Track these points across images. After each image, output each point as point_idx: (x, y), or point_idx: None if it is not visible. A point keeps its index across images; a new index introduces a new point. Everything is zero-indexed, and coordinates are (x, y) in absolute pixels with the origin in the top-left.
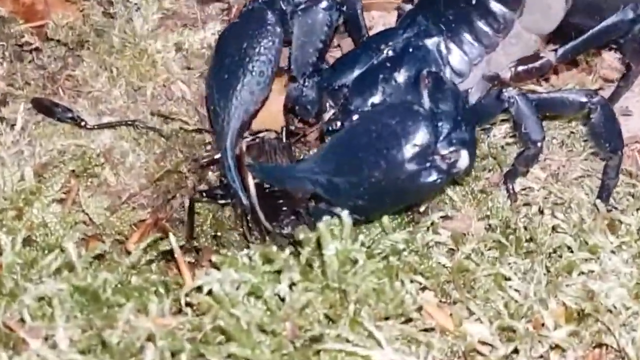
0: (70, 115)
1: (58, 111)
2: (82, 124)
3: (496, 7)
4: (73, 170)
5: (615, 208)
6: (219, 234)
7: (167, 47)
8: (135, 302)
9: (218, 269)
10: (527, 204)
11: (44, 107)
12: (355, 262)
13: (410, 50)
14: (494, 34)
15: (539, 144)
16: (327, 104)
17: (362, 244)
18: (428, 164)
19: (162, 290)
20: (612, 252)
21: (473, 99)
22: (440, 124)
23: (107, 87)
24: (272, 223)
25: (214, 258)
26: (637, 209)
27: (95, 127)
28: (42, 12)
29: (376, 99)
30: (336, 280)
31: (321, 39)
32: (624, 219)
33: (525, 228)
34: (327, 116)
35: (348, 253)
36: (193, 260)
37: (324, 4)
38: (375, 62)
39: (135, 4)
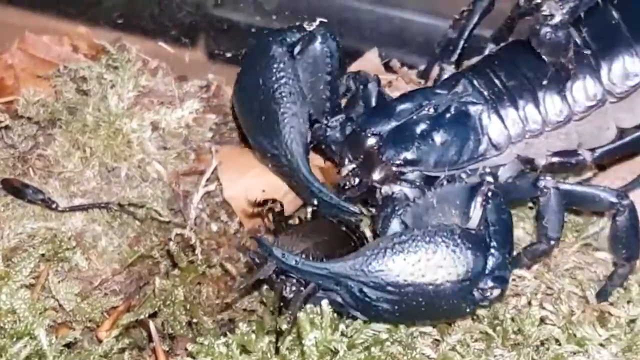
0: (41, 197)
1: (28, 192)
2: (53, 206)
3: (558, 101)
4: (43, 255)
5: (605, 297)
6: (194, 320)
7: (142, 126)
8: None
9: (194, 358)
10: (516, 295)
11: (14, 188)
12: (335, 352)
13: (452, 112)
14: (543, 124)
15: (552, 242)
16: (347, 156)
17: (343, 334)
18: (468, 295)
19: None
20: (601, 345)
21: (504, 176)
22: (490, 258)
23: (79, 167)
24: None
25: (189, 347)
26: (628, 301)
27: (67, 209)
28: (11, 87)
29: (409, 154)
30: None
31: (327, 71)
32: (614, 311)
33: (513, 319)
34: (345, 170)
35: (328, 343)
36: (167, 349)
37: (318, 39)
38: (414, 117)
39: (110, 81)
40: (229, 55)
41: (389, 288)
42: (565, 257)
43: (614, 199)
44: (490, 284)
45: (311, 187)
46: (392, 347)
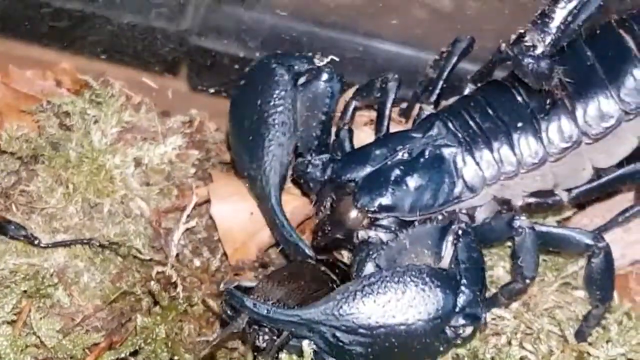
0: (23, 232)
1: (10, 228)
2: (36, 242)
3: (533, 143)
4: (25, 291)
5: (583, 337)
6: (175, 358)
7: (125, 162)
8: None
9: None
10: (496, 334)
11: None
12: None
13: (426, 156)
14: (518, 166)
15: (527, 281)
16: (322, 202)
17: None
18: (441, 334)
19: None
20: None
21: (480, 217)
22: (460, 295)
23: (62, 203)
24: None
25: None
26: (607, 341)
27: (49, 245)
28: None
29: (383, 200)
30: None
31: (324, 111)
32: (592, 351)
33: (493, 359)
34: (320, 217)
35: None
36: None
37: (324, 77)
38: (388, 162)
39: (94, 116)
40: (212, 90)
41: (361, 331)
42: (544, 296)
43: (589, 241)
44: (461, 321)
45: (275, 218)
46: None
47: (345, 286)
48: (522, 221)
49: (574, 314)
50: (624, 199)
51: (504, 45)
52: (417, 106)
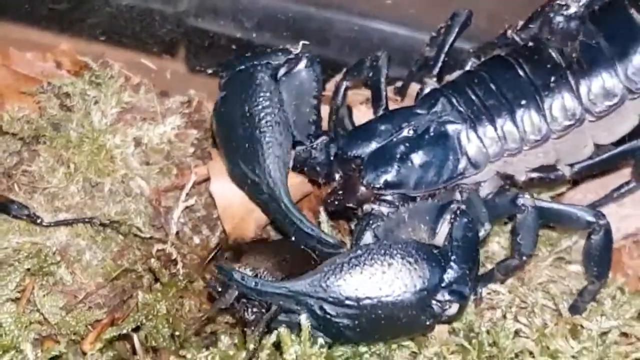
0: (26, 212)
1: (13, 208)
2: (38, 221)
3: (536, 120)
4: (28, 269)
5: (578, 312)
6: (176, 333)
7: (125, 142)
8: None
9: None
10: (492, 308)
11: None
12: None
13: (431, 133)
14: (521, 142)
15: (524, 258)
16: (333, 178)
17: (322, 346)
18: (426, 307)
19: None
20: (574, 357)
21: (483, 192)
22: (448, 271)
23: (64, 182)
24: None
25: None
26: (600, 315)
27: (52, 224)
28: None
29: (389, 177)
30: None
31: (313, 95)
32: (586, 324)
33: (488, 332)
34: (329, 189)
35: (308, 357)
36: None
37: (303, 62)
38: (394, 139)
39: (94, 97)
40: (209, 71)
41: (348, 302)
42: (538, 271)
43: (591, 218)
44: (447, 297)
45: (292, 217)
46: (372, 357)
47: (333, 259)
48: (525, 199)
49: (568, 288)
50: (617, 175)
51: (510, 32)
52: (413, 85)
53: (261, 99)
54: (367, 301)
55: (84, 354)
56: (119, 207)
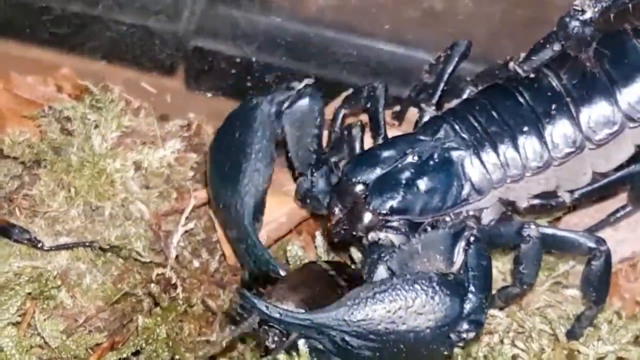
0: (27, 236)
1: (14, 232)
2: (39, 245)
3: (538, 147)
4: (29, 293)
5: (575, 337)
6: (176, 357)
7: (125, 166)
8: None
9: None
10: (489, 333)
11: (1, 228)
12: None
13: (435, 159)
14: (524, 169)
15: (525, 287)
16: (336, 205)
17: None
18: (446, 339)
19: None
20: None
21: (486, 219)
22: (467, 302)
23: (64, 206)
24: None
25: None
26: (597, 339)
27: (52, 248)
28: None
29: (394, 202)
30: None
31: (316, 125)
32: (582, 349)
33: (486, 357)
34: (334, 218)
35: None
36: None
37: (306, 96)
38: (399, 165)
39: (94, 121)
40: (209, 94)
41: (371, 336)
42: (536, 295)
43: (592, 245)
44: (466, 326)
45: (248, 238)
46: None
47: (357, 291)
48: (531, 230)
49: (565, 313)
50: (613, 199)
51: (512, 63)
52: (411, 109)
53: (254, 128)
54: (390, 336)
55: None
56: (119, 231)
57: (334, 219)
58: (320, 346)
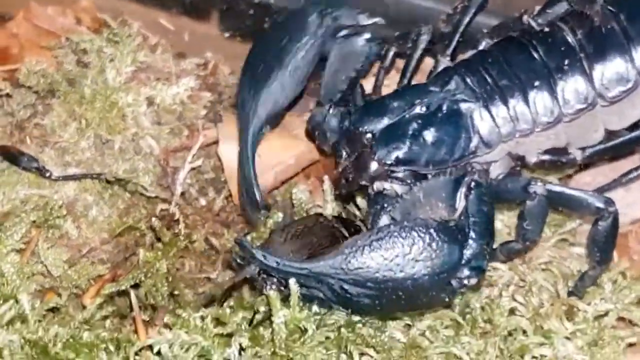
0: (35, 164)
1: (23, 160)
2: (47, 174)
3: (549, 102)
4: (34, 221)
5: (577, 295)
6: (175, 292)
7: (138, 100)
8: (85, 358)
9: (171, 329)
10: (490, 285)
11: (10, 155)
12: (304, 331)
13: (444, 111)
14: (533, 124)
15: (528, 244)
16: (343, 150)
17: (316, 313)
18: (446, 285)
19: (112, 347)
20: (567, 338)
21: (494, 172)
22: (467, 248)
23: (75, 138)
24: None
25: (166, 318)
26: (600, 298)
27: (60, 178)
28: (16, 56)
29: (400, 153)
30: (284, 348)
31: (356, 68)
32: (582, 306)
33: (483, 308)
34: (340, 167)
35: (298, 322)
36: (148, 319)
37: (366, 36)
38: (406, 116)
39: (110, 55)
40: (227, 34)
41: (369, 284)
42: (540, 251)
43: (601, 205)
44: (467, 272)
45: (245, 151)
46: (363, 329)
47: (354, 239)
48: (538, 187)
49: (569, 270)
50: (628, 159)
51: (526, 17)
52: (427, 60)
53: (300, 40)
54: (388, 283)
55: (84, 307)
56: (127, 165)
57: (340, 167)
58: (320, 294)
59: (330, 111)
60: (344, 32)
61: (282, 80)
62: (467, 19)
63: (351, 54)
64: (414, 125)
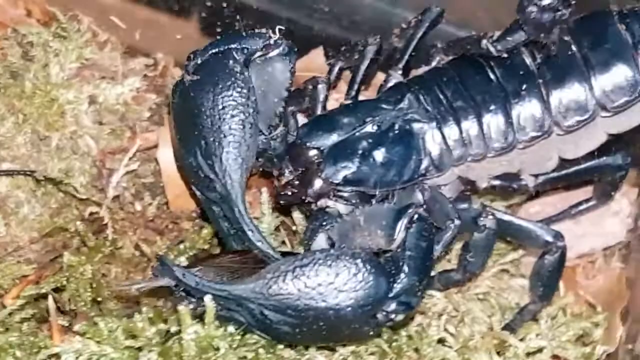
0: None
1: None
2: None
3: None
4: None
5: (513, 329)
6: (99, 299)
7: (80, 98)
8: None
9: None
10: (423, 313)
11: None
12: (217, 349)
13: (395, 130)
14: (486, 149)
15: (468, 275)
16: (287, 167)
17: (231, 334)
18: (370, 319)
19: (18, 353)
20: None
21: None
22: (398, 282)
23: (12, 132)
24: None
25: (77, 327)
26: (536, 334)
27: None
28: None
29: (349, 173)
30: None
31: (285, 86)
32: (513, 341)
33: (410, 337)
34: (283, 180)
35: (211, 339)
36: (67, 324)
37: (280, 50)
38: (357, 133)
39: (55, 49)
40: (179, 36)
41: (289, 312)
42: (479, 280)
43: (549, 238)
44: (394, 307)
45: (244, 225)
46: (284, 351)
47: (277, 265)
48: (488, 220)
49: (507, 302)
50: (578, 191)
51: (484, 41)
52: (379, 74)
53: (235, 92)
54: (310, 312)
55: (4, 307)
56: (64, 163)
57: (282, 180)
58: (241, 318)
59: (273, 136)
60: (257, 55)
61: (245, 142)
62: (419, 34)
63: (274, 74)
64: (364, 144)
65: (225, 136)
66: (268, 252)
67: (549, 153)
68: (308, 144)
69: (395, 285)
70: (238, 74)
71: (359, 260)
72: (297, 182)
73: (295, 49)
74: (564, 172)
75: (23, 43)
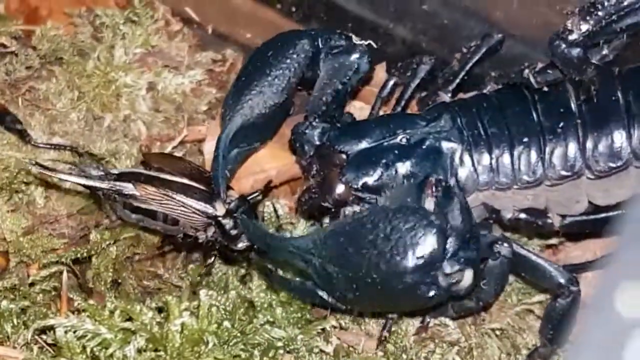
0: (18, 126)
1: (7, 120)
2: (27, 139)
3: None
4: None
5: None
6: (119, 280)
7: (137, 83)
8: None
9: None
10: (432, 339)
11: None
12: (206, 343)
13: (425, 147)
14: (513, 180)
15: (481, 304)
16: (313, 166)
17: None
18: (429, 279)
19: (16, 321)
20: None
21: None
22: (450, 240)
23: (67, 108)
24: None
25: (76, 303)
26: None
27: (40, 144)
28: (43, 18)
29: (369, 180)
30: (175, 357)
31: (342, 81)
32: None
33: None
34: (307, 183)
35: (201, 332)
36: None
37: (356, 53)
38: (385, 143)
39: (124, 33)
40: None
41: (348, 265)
42: (499, 316)
43: (563, 281)
44: (455, 266)
45: (218, 149)
46: (285, 357)
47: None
48: (503, 247)
49: (524, 342)
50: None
51: (527, 71)
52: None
53: (285, 56)
54: (370, 265)
55: (28, 276)
56: (112, 145)
57: (306, 184)
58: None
59: (313, 123)
60: (335, 51)
61: (261, 88)
62: (474, 59)
63: (339, 68)
64: (390, 154)
65: (252, 83)
66: (218, 182)
67: (578, 195)
68: (336, 147)
69: (448, 243)
70: (301, 47)
71: (417, 215)
72: (318, 187)
73: (371, 61)
74: (592, 217)
75: (95, 23)
